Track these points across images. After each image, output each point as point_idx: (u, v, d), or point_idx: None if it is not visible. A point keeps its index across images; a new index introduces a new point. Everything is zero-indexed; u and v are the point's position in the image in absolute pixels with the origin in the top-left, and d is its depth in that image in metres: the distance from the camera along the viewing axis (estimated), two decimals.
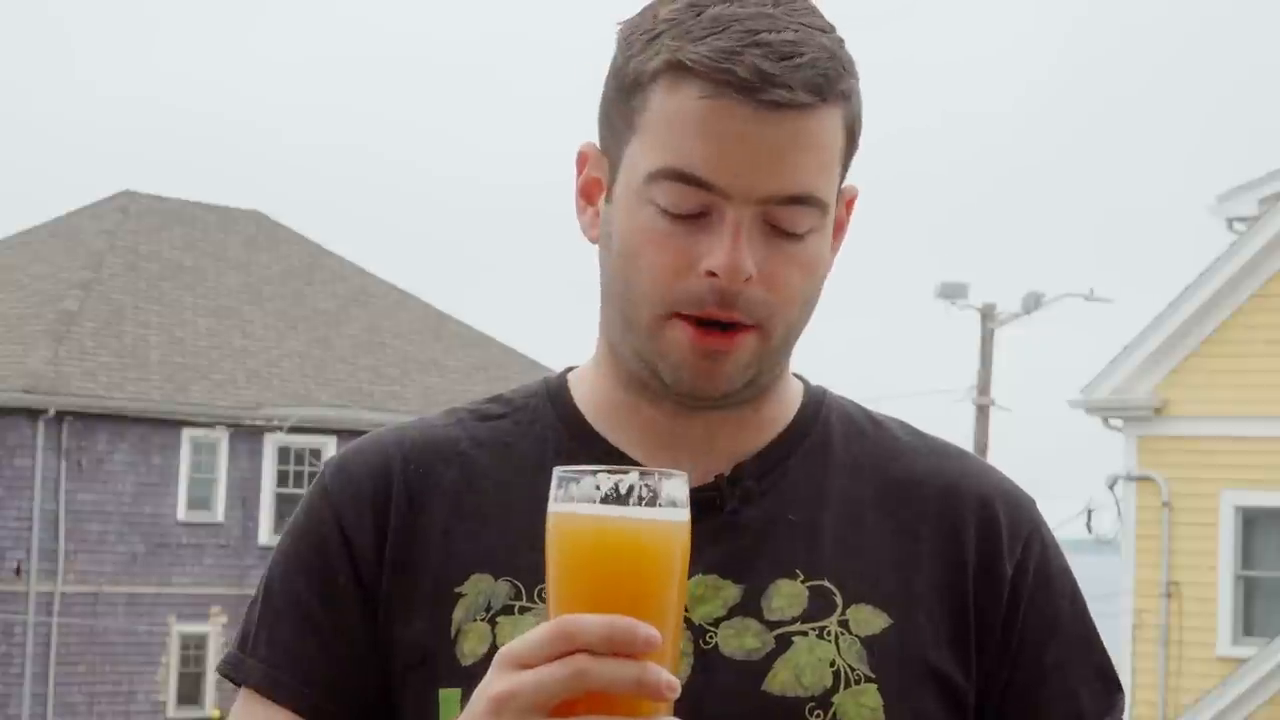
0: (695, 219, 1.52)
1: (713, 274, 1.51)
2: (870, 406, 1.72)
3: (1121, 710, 1.65)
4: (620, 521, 1.30)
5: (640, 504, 1.31)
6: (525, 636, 1.29)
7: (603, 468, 1.32)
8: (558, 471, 1.33)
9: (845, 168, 1.60)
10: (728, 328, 1.53)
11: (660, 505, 1.31)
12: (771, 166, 1.51)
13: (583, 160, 1.64)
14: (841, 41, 1.57)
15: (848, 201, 1.64)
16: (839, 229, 1.64)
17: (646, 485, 1.31)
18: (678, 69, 1.52)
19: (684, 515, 1.33)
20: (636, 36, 1.56)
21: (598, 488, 1.31)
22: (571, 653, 1.27)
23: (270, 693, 1.61)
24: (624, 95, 1.57)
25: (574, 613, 1.28)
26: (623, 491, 1.31)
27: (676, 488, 1.32)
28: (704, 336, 1.53)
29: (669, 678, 1.27)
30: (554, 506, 1.33)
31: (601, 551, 1.30)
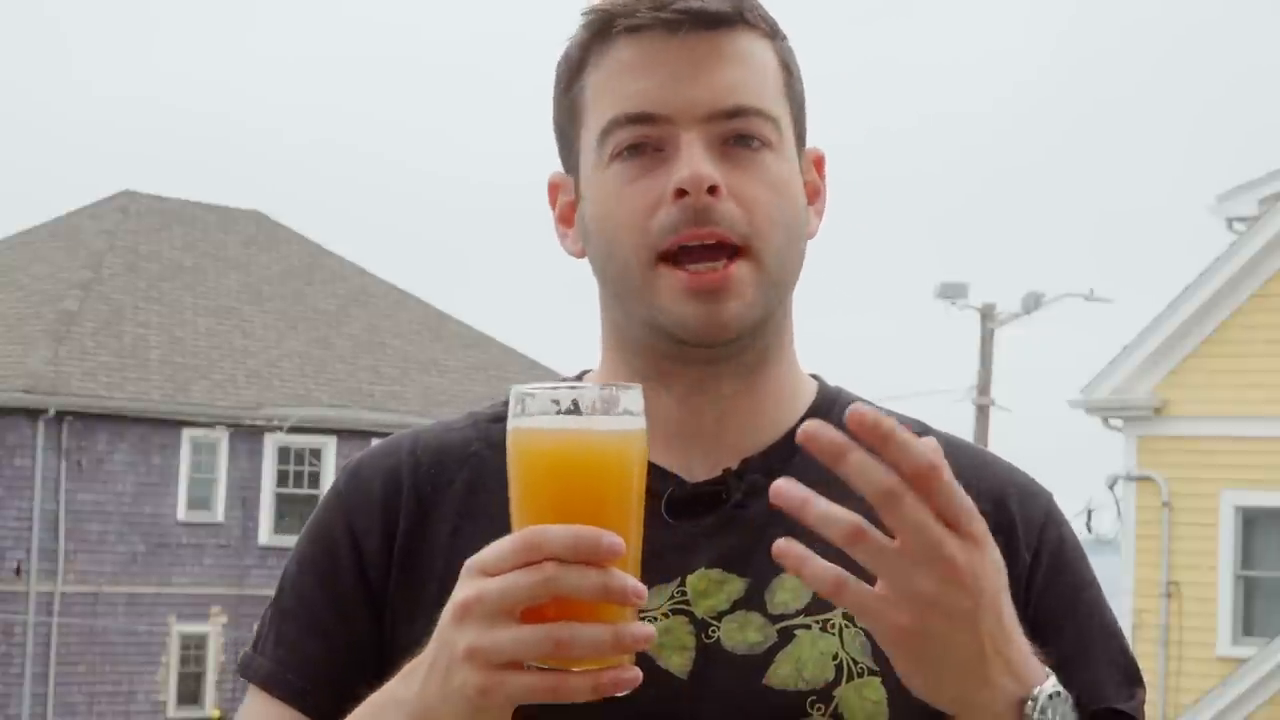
0: (654, 156, 1.57)
1: (681, 192, 1.54)
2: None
3: (1142, 702, 1.63)
4: (577, 432, 1.32)
5: (596, 414, 1.32)
6: (492, 546, 1.31)
7: (557, 383, 1.34)
8: (514, 390, 1.35)
9: (794, 106, 1.63)
10: (715, 260, 1.54)
11: (616, 415, 1.33)
12: (704, 81, 1.56)
13: (553, 190, 1.69)
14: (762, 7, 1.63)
15: (815, 162, 1.68)
16: (816, 192, 1.67)
17: (601, 397, 1.32)
18: (604, 29, 1.59)
19: (640, 424, 1.34)
20: (567, 49, 1.63)
21: (554, 401, 1.32)
22: (539, 562, 1.28)
23: (274, 690, 1.63)
24: (567, 91, 1.63)
25: (537, 523, 1.30)
26: (579, 404, 1.32)
27: (632, 399, 1.34)
28: (696, 278, 1.55)
29: (635, 584, 1.29)
30: (512, 422, 1.34)
31: (560, 462, 1.32)
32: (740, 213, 1.55)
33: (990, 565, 1.31)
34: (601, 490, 1.31)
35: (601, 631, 1.28)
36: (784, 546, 1.29)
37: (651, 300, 1.57)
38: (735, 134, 1.56)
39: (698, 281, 1.54)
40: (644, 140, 1.57)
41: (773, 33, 1.62)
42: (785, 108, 1.61)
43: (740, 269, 1.55)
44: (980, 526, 1.30)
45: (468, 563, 1.32)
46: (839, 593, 1.29)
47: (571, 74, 1.62)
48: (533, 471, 1.32)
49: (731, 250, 1.55)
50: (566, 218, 1.67)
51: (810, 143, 1.68)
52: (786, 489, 1.29)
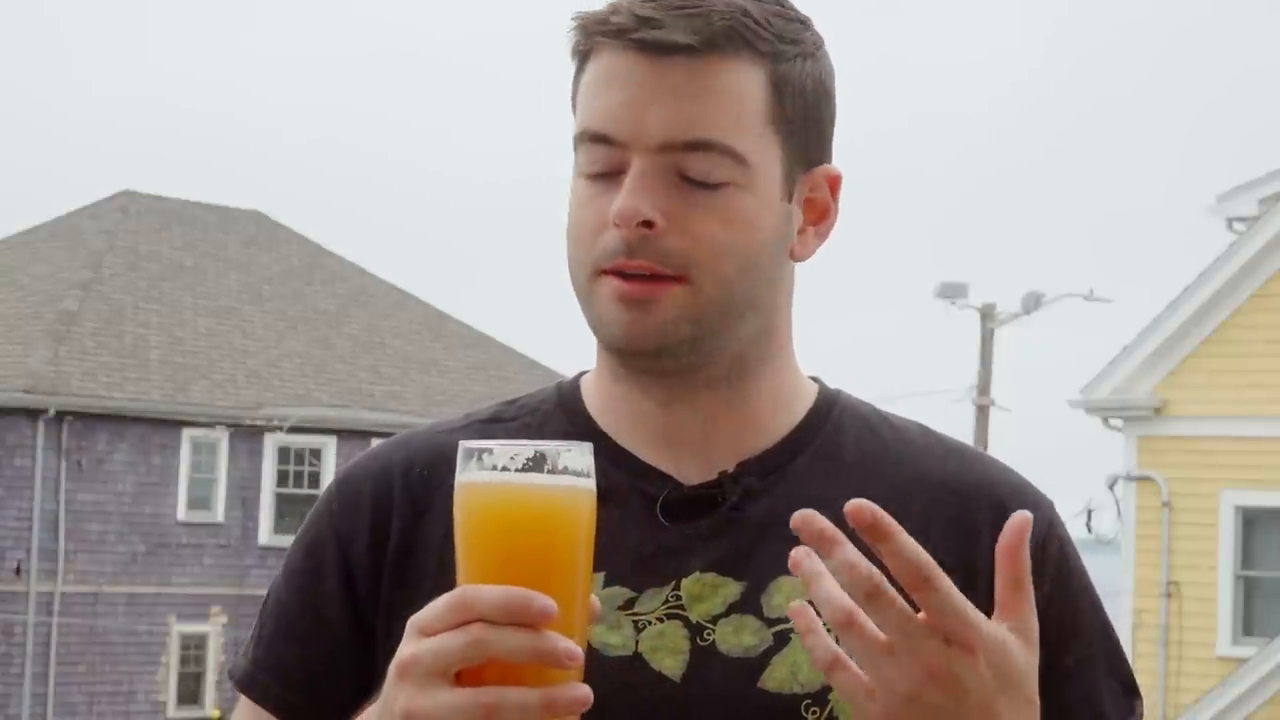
0: (612, 178, 1.55)
1: (618, 223, 1.53)
2: (883, 410, 1.70)
3: (1140, 715, 1.63)
4: (519, 490, 1.31)
5: (540, 473, 1.31)
6: (431, 604, 1.30)
7: (506, 441, 1.33)
8: (462, 445, 1.34)
9: (789, 130, 1.58)
10: (649, 278, 1.53)
11: (561, 473, 1.32)
12: (665, 113, 1.53)
13: None
14: (780, 13, 1.58)
15: (829, 181, 1.63)
16: (824, 213, 1.63)
17: (546, 456, 1.32)
18: (585, 37, 1.57)
19: (586, 484, 1.33)
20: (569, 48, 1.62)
21: (498, 459, 1.32)
22: (470, 622, 1.27)
23: (249, 692, 1.65)
24: (572, 84, 1.61)
25: (479, 581, 1.29)
26: (522, 462, 1.31)
27: (577, 457, 1.33)
28: (626, 285, 1.53)
29: (567, 646, 1.27)
30: (458, 477, 1.34)
31: (502, 520, 1.31)
32: (680, 246, 1.52)
33: (981, 672, 1.29)
34: (544, 550, 1.31)
35: (530, 695, 1.27)
36: (798, 610, 1.29)
37: (591, 309, 1.57)
38: (692, 166, 1.53)
39: (628, 290, 1.53)
40: (605, 162, 1.55)
41: (770, 54, 1.56)
42: (768, 136, 1.56)
43: (673, 290, 1.53)
44: (976, 636, 1.28)
45: (410, 620, 1.32)
46: (830, 671, 1.29)
47: (575, 71, 1.61)
48: (475, 529, 1.32)
49: (666, 278, 1.53)
50: None
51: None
52: (812, 521, 1.28)
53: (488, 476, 1.32)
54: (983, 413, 25.05)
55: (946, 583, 1.28)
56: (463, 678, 1.28)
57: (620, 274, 1.53)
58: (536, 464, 1.31)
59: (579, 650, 1.28)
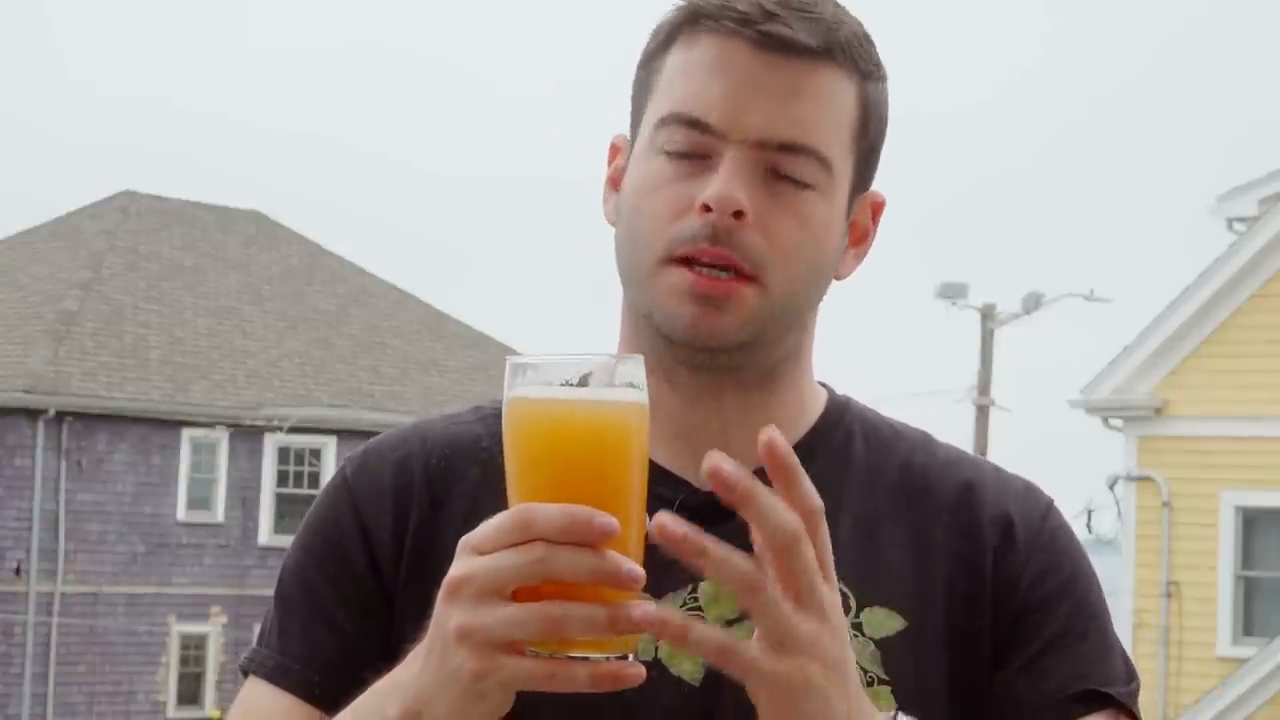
0: (698, 163, 1.54)
1: (707, 209, 1.51)
2: (883, 411, 1.72)
3: (1136, 692, 1.61)
4: (574, 403, 1.26)
5: (595, 386, 1.27)
6: (486, 523, 1.27)
7: (557, 354, 1.29)
8: (510, 361, 1.30)
9: (862, 150, 1.59)
10: (724, 274, 1.52)
11: (616, 386, 1.28)
12: (770, 109, 1.53)
13: (613, 151, 1.66)
14: (868, 37, 1.60)
15: (873, 207, 1.65)
16: (863, 236, 1.65)
17: (601, 367, 1.28)
18: (693, 20, 1.56)
19: (642, 397, 1.29)
20: (659, 23, 1.60)
21: (549, 374, 1.28)
22: (529, 541, 1.24)
23: (279, 681, 1.59)
24: (647, 63, 1.61)
25: (533, 499, 1.25)
26: (575, 376, 1.27)
27: (630, 370, 1.29)
28: (701, 280, 1.52)
29: (630, 566, 1.24)
30: (508, 393, 1.29)
31: (555, 435, 1.26)
32: (761, 243, 1.53)
33: (838, 634, 1.30)
34: (599, 466, 1.25)
35: (596, 611, 1.23)
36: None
37: (654, 295, 1.55)
38: (783, 166, 1.53)
39: (703, 284, 1.52)
40: (693, 146, 1.54)
41: (865, 73, 1.58)
42: (849, 151, 1.57)
43: (746, 290, 1.53)
44: (824, 599, 1.29)
45: (462, 540, 1.28)
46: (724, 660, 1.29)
47: (655, 49, 1.60)
48: (527, 445, 1.27)
49: (741, 275, 1.53)
50: (616, 181, 1.64)
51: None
52: (732, 475, 1.26)
53: (539, 391, 1.27)
54: (983, 413, 25.05)
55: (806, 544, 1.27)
56: (519, 598, 1.24)
57: (692, 263, 1.53)
58: (588, 376, 1.27)
59: (641, 571, 1.24)
